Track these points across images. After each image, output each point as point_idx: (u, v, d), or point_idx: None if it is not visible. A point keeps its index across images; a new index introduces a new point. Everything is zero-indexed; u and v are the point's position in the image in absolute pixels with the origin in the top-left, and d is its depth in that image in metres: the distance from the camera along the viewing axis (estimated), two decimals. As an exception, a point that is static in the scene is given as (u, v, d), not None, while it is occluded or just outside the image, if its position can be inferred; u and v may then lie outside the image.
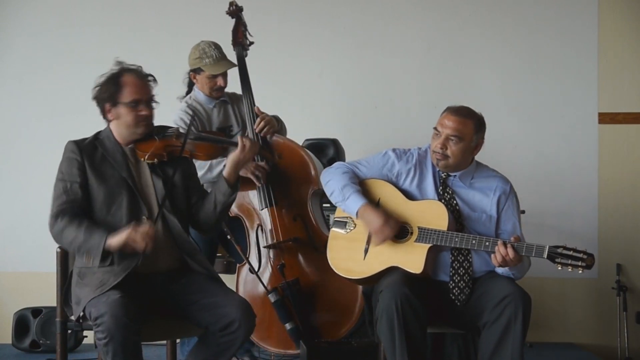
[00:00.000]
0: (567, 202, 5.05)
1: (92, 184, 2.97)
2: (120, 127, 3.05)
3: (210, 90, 3.96)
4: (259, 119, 3.82)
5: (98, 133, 3.11)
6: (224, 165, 3.69)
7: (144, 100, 3.03)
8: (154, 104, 3.07)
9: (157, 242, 2.93)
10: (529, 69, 5.12)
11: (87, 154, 3.00)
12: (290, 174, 3.80)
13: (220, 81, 3.95)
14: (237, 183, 3.14)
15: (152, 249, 2.85)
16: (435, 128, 3.14)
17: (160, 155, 3.05)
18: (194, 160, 3.23)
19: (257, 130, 3.81)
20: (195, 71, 3.95)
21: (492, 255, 2.98)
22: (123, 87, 3.00)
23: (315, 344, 3.55)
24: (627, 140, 5.09)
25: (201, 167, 3.71)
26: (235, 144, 3.14)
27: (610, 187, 5.06)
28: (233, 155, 3.12)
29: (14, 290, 5.07)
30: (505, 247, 2.93)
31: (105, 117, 3.08)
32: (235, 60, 3.95)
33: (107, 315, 2.68)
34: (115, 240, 2.83)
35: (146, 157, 3.03)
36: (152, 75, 3.10)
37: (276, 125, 3.88)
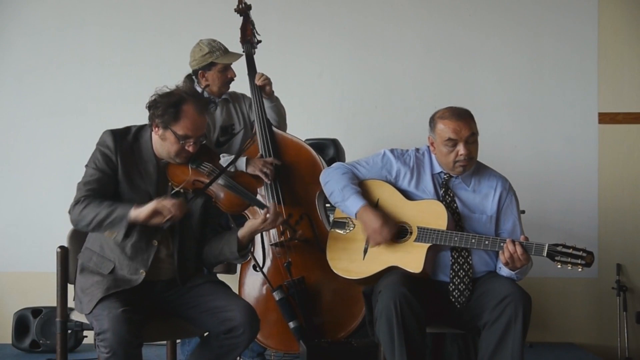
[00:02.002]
0: (567, 202, 5.05)
1: (120, 183, 2.92)
2: (161, 146, 2.96)
3: (222, 84, 3.97)
4: (258, 74, 3.90)
5: (140, 132, 3.00)
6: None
7: (194, 137, 2.92)
8: (201, 140, 2.97)
9: (159, 255, 2.94)
10: (529, 69, 5.13)
11: (122, 156, 2.92)
12: (299, 173, 3.80)
13: (231, 73, 3.98)
14: (249, 247, 3.07)
15: (179, 219, 2.82)
16: (449, 139, 3.09)
17: (186, 189, 2.98)
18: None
19: (256, 83, 3.89)
20: (205, 69, 3.95)
21: (500, 253, 2.98)
22: (181, 117, 2.88)
23: (315, 343, 3.55)
24: (627, 140, 5.09)
25: None
26: (263, 206, 3.06)
27: (610, 187, 5.06)
28: (254, 223, 3.00)
29: (14, 290, 5.07)
30: (514, 244, 2.94)
31: (151, 127, 2.96)
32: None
33: (109, 332, 2.69)
34: (143, 209, 2.78)
35: (175, 187, 2.97)
36: (213, 103, 2.95)
37: (272, 89, 3.94)
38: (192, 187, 2.98)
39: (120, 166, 2.91)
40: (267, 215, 2.98)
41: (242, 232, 3.01)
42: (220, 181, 3.03)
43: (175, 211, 2.79)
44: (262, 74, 3.92)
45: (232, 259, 3.06)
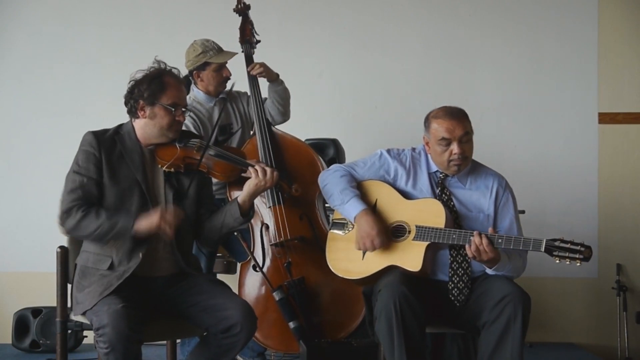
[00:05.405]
0: (567, 202, 5.05)
1: (105, 183, 2.93)
2: (151, 127, 3.01)
3: (218, 83, 3.98)
4: (252, 65, 3.92)
5: (119, 127, 3.06)
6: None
7: (182, 105, 3.02)
8: (186, 112, 3.08)
9: (157, 251, 2.98)
10: (529, 69, 5.13)
11: (106, 149, 2.96)
12: (299, 173, 3.79)
13: (226, 72, 3.99)
14: (251, 211, 3.11)
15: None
16: (443, 138, 3.09)
17: (177, 165, 3.01)
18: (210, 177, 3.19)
19: (252, 73, 3.91)
20: (200, 69, 3.96)
21: (467, 247, 2.98)
22: (166, 88, 2.98)
23: (315, 343, 3.55)
24: (627, 140, 5.09)
25: None
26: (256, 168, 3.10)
27: (610, 187, 5.06)
28: (250, 182, 3.08)
29: (14, 290, 5.07)
30: (480, 237, 2.93)
31: (134, 114, 3.02)
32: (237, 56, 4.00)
33: (109, 327, 2.69)
34: (144, 225, 2.85)
35: (165, 166, 3.00)
36: (185, 79, 3.06)
37: (272, 71, 3.95)
38: (183, 163, 3.02)
39: (104, 160, 2.94)
40: (257, 170, 3.06)
41: (241, 198, 3.07)
42: (210, 152, 3.08)
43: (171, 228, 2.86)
44: (256, 64, 3.93)
45: (235, 225, 3.07)
